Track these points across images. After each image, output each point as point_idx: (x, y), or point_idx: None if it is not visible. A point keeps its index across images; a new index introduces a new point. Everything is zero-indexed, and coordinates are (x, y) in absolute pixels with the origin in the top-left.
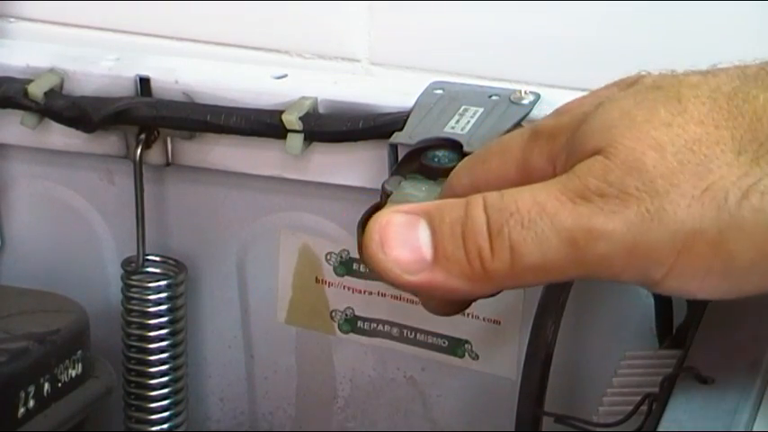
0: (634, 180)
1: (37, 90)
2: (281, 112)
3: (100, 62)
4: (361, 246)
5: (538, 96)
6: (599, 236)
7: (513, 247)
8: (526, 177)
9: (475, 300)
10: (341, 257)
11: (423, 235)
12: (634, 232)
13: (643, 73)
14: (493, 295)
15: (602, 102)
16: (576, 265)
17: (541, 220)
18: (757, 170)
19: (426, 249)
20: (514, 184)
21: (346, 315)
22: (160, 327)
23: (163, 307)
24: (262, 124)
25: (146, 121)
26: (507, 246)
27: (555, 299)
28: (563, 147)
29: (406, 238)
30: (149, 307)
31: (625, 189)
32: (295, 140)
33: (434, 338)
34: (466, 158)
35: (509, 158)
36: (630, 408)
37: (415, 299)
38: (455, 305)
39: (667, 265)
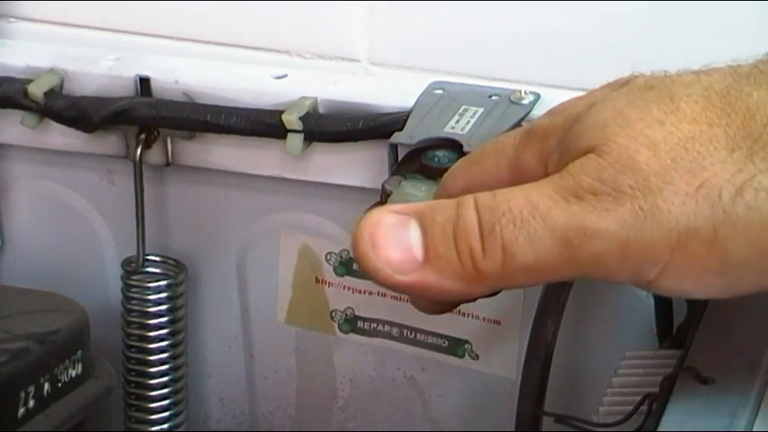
0: (627, 178)
1: (37, 90)
2: (281, 112)
3: (100, 62)
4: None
5: (538, 96)
6: (592, 234)
7: (506, 246)
8: (518, 178)
9: (468, 300)
10: (341, 257)
11: (414, 235)
12: (628, 230)
13: (636, 73)
14: (490, 295)
15: (595, 102)
16: (570, 265)
17: (534, 219)
18: (751, 166)
19: (417, 249)
20: (507, 184)
21: (346, 315)
22: (160, 327)
23: (163, 307)
24: (262, 124)
25: (146, 121)
26: (499, 245)
27: (555, 299)
28: (555, 146)
29: (397, 237)
30: (149, 307)
31: (618, 187)
32: (295, 140)
33: (434, 338)
34: (460, 160)
35: (502, 159)
36: (630, 408)
37: None
38: (445, 304)
39: (662, 263)
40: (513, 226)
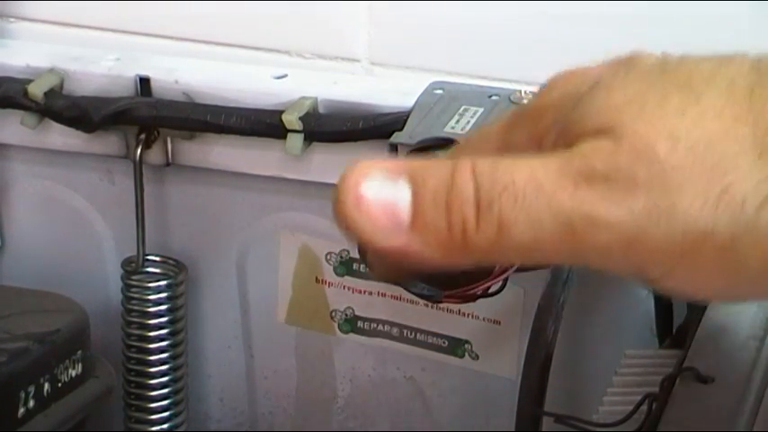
0: (644, 169)
1: (37, 90)
2: (281, 112)
3: (100, 62)
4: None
5: None
6: (599, 225)
7: (503, 224)
8: None
9: (445, 268)
10: (341, 257)
11: (402, 195)
12: (639, 225)
13: (639, 52)
14: (488, 296)
15: (600, 81)
16: (568, 253)
17: (537, 198)
18: None
19: (405, 212)
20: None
21: (346, 315)
22: (160, 327)
23: (163, 307)
24: (262, 124)
25: (146, 121)
26: (496, 221)
27: (555, 299)
28: (551, 125)
29: (384, 196)
30: (149, 307)
31: (634, 178)
32: (295, 140)
33: (434, 338)
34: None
35: (487, 145)
36: (630, 408)
37: (415, 299)
38: (409, 271)
39: (669, 264)
40: (513, 202)
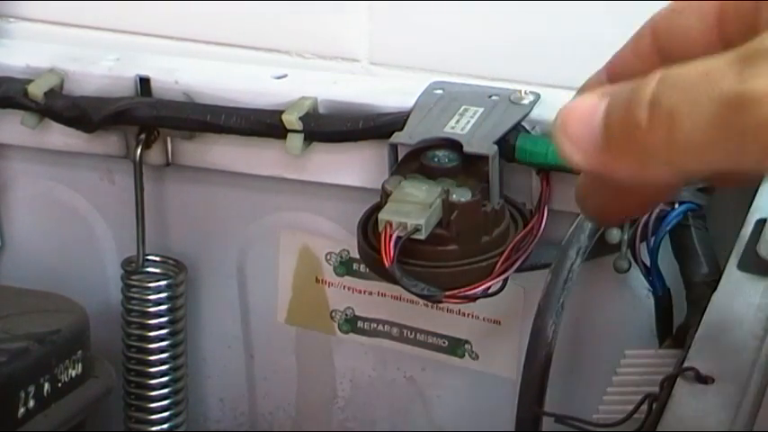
0: None
1: (37, 90)
2: (281, 112)
3: (100, 62)
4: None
5: (538, 96)
6: (757, 99)
7: (672, 116)
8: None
9: (648, 182)
10: (341, 257)
11: (599, 117)
12: None
13: None
14: (490, 295)
15: None
16: (727, 135)
17: (700, 84)
18: None
19: (600, 132)
20: (711, 47)
21: (346, 315)
22: (160, 327)
23: (163, 307)
24: (262, 124)
25: (146, 121)
26: (665, 115)
27: (555, 299)
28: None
29: (585, 119)
30: (149, 307)
31: None
32: (295, 140)
33: (434, 338)
34: (662, 9)
35: (708, 15)
36: (630, 408)
37: (415, 299)
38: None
39: None
40: (681, 94)
